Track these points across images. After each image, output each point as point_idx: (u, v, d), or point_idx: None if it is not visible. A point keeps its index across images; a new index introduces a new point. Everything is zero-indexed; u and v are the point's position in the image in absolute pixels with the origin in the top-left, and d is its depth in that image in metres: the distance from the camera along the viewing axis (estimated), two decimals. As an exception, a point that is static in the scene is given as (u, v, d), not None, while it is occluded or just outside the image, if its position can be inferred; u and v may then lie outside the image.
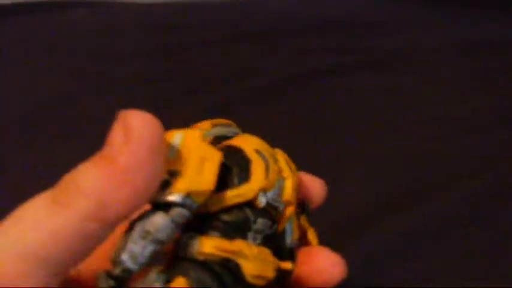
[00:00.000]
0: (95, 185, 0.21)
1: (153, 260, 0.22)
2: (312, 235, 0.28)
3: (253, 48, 0.75)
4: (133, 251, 0.21)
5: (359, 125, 0.58)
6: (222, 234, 0.23)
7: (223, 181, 0.24)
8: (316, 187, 0.28)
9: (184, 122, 0.64)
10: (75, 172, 0.21)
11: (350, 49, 0.75)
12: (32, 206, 0.21)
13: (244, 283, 0.22)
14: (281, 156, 0.27)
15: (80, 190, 0.20)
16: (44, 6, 0.89)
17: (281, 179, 0.25)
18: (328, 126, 0.59)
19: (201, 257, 0.22)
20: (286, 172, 0.26)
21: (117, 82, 0.67)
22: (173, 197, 0.22)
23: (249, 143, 0.26)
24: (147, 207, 0.22)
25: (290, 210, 0.25)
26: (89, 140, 0.57)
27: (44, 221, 0.20)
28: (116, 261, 0.21)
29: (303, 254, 0.27)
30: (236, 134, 0.27)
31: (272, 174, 0.25)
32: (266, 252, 0.24)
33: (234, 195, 0.23)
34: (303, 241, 0.28)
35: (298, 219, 0.27)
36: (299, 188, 0.27)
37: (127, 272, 0.21)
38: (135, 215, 0.22)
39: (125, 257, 0.21)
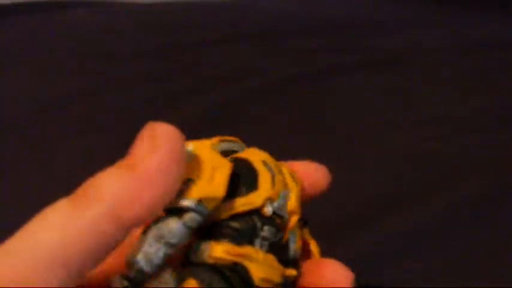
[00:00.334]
0: (115, 188, 0.21)
1: (165, 264, 0.22)
2: (314, 247, 0.29)
3: (253, 48, 0.75)
4: (147, 253, 0.22)
5: (359, 125, 0.58)
6: (231, 240, 0.24)
7: (232, 190, 0.25)
8: (319, 173, 0.29)
9: (185, 121, 0.64)
10: (96, 176, 0.22)
11: (350, 49, 0.75)
12: (54, 209, 0.21)
13: (252, 286, 0.23)
14: (286, 169, 0.28)
15: (100, 193, 0.21)
16: (44, 6, 0.90)
17: (286, 190, 0.27)
18: (328, 126, 0.59)
19: (211, 261, 0.23)
20: (291, 184, 0.27)
21: (117, 82, 0.67)
22: (186, 203, 0.23)
23: (256, 155, 0.27)
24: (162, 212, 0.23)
25: (294, 220, 0.27)
26: (89, 140, 0.57)
27: (64, 223, 0.21)
28: (130, 262, 0.22)
29: (311, 265, 0.27)
30: (243, 149, 0.29)
31: (278, 184, 0.26)
32: (272, 258, 0.25)
33: (243, 203, 0.25)
34: (305, 253, 0.28)
35: (301, 230, 0.28)
36: (303, 175, 0.28)
37: (141, 273, 0.22)
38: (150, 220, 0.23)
39: (139, 258, 0.22)
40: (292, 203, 0.26)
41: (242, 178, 0.25)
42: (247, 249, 0.24)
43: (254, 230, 0.24)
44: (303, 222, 0.28)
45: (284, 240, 0.26)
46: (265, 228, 0.25)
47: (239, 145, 0.29)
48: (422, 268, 0.40)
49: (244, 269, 0.23)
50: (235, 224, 0.24)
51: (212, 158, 0.25)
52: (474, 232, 0.43)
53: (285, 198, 0.26)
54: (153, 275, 0.22)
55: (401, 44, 0.76)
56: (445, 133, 0.56)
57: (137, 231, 0.23)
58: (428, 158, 0.52)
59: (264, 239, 0.25)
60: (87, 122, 0.59)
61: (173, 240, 0.22)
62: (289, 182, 0.27)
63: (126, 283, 0.22)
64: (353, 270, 0.39)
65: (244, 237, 0.24)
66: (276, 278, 0.24)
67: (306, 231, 0.29)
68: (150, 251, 0.22)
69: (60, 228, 0.20)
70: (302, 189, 0.28)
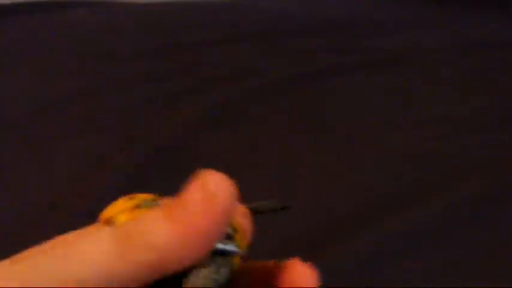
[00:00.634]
0: (164, 241, 0.21)
1: None
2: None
3: (253, 48, 0.75)
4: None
5: (359, 125, 0.58)
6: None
7: None
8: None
9: (185, 121, 0.64)
10: (143, 221, 0.22)
11: (350, 49, 0.75)
12: (92, 242, 0.21)
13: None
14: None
15: (148, 245, 0.21)
16: (44, 6, 0.90)
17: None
18: (328, 126, 0.59)
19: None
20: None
21: (117, 82, 0.67)
22: (237, 249, 0.25)
23: None
24: None
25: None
26: (89, 140, 0.57)
27: (103, 263, 0.20)
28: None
29: (275, 268, 0.28)
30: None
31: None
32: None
33: None
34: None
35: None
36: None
37: None
38: None
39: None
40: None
41: None
42: None
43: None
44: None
45: None
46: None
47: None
48: (422, 268, 0.40)
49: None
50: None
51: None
52: (474, 232, 0.43)
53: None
54: None
55: (401, 44, 0.76)
56: (445, 133, 0.57)
57: None
58: (428, 158, 0.52)
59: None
60: (87, 122, 0.59)
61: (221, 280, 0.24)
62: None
63: None
64: (353, 270, 0.39)
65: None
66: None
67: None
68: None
69: (96, 266, 0.20)
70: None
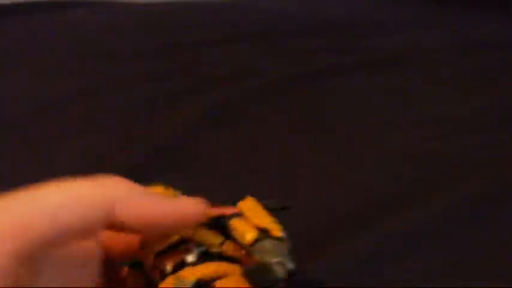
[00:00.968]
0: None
1: None
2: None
3: (253, 48, 0.75)
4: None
5: (359, 125, 0.58)
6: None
7: None
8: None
9: (185, 121, 0.64)
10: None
11: (350, 49, 0.75)
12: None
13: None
14: None
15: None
16: (44, 6, 0.90)
17: None
18: (328, 126, 0.59)
19: None
20: None
21: (117, 82, 0.67)
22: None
23: None
24: None
25: None
26: (89, 140, 0.57)
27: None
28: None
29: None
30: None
31: None
32: None
33: None
34: None
35: None
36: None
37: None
38: None
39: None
40: None
41: None
42: None
43: None
44: None
45: None
46: None
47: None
48: (422, 268, 0.40)
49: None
50: None
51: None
52: (474, 232, 0.43)
53: None
54: None
55: (401, 44, 0.76)
56: (445, 133, 0.56)
57: None
58: (428, 158, 0.52)
59: None
60: (87, 122, 0.59)
61: None
62: None
63: None
64: (353, 270, 0.39)
65: None
66: None
67: None
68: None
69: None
70: None
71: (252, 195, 0.32)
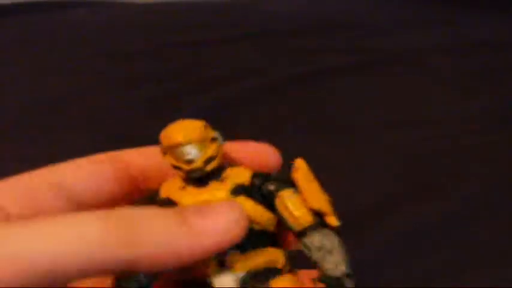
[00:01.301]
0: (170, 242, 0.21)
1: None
2: None
3: (253, 48, 0.75)
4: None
5: (359, 125, 0.58)
6: None
7: None
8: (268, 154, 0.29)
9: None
10: (139, 212, 0.21)
11: (350, 49, 0.75)
12: (82, 220, 0.20)
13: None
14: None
15: (153, 240, 0.20)
16: (44, 6, 0.90)
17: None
18: (328, 126, 0.59)
19: None
20: None
21: (117, 82, 0.67)
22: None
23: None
24: None
25: None
26: (89, 140, 0.57)
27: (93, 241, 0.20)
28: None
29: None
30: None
31: None
32: None
33: None
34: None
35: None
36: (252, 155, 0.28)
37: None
38: None
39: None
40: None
41: None
42: None
43: None
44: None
45: None
46: None
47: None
48: (422, 268, 0.40)
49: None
50: None
51: None
52: (474, 232, 0.43)
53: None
54: None
55: (401, 44, 0.76)
56: (445, 133, 0.56)
57: None
58: (428, 158, 0.52)
59: None
60: (87, 122, 0.59)
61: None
62: None
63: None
64: (353, 270, 0.39)
65: None
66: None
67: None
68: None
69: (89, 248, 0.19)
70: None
71: None
